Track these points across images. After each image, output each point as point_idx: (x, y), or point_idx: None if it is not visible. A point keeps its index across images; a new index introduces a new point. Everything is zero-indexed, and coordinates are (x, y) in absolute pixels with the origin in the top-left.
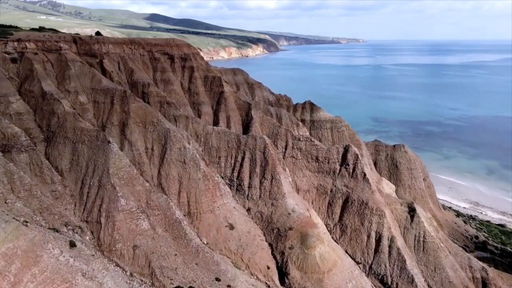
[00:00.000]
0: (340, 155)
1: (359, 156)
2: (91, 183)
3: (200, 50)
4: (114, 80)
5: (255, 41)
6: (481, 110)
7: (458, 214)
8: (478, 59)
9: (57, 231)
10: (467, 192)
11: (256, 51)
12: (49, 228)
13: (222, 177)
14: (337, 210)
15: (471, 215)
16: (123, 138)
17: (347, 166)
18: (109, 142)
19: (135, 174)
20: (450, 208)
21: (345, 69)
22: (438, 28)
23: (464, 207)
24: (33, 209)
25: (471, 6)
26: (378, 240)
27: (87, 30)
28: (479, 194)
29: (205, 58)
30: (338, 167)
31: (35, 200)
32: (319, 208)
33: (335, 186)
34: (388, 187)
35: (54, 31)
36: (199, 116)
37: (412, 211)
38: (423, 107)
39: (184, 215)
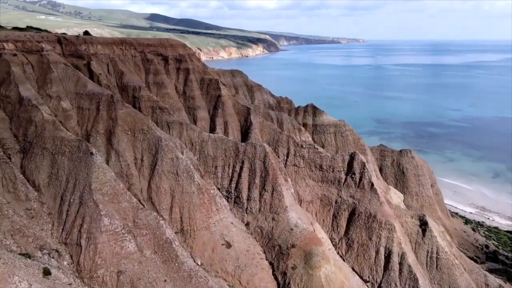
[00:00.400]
0: (346, 163)
1: (366, 164)
2: (71, 200)
3: (200, 50)
4: (102, 84)
5: (255, 41)
6: (483, 110)
7: (466, 221)
8: (479, 59)
9: (30, 256)
10: (472, 196)
11: (256, 51)
12: (20, 254)
13: (219, 189)
14: (343, 223)
15: (478, 222)
16: (110, 147)
17: (353, 175)
18: (91, 153)
19: (121, 189)
20: (456, 214)
21: (345, 69)
22: (438, 28)
23: (470, 212)
24: (3, 231)
25: (471, 6)
26: (388, 257)
27: (87, 30)
28: (485, 199)
29: (205, 58)
30: (343, 176)
31: (6, 221)
32: (323, 220)
33: (340, 196)
34: (396, 196)
35: (39, 30)
36: (195, 122)
37: (423, 224)
38: (424, 107)
39: (176, 233)
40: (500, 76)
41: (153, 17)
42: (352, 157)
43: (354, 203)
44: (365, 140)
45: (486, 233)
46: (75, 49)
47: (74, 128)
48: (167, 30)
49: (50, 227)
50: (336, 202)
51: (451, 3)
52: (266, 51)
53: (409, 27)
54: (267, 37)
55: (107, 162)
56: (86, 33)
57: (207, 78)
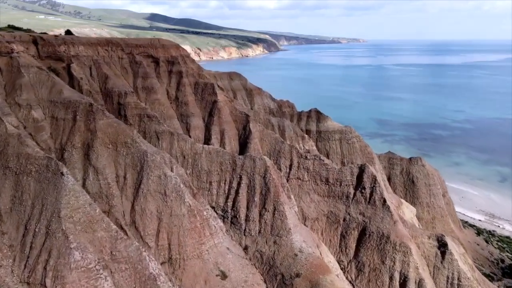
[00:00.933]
0: (355, 177)
1: (377, 178)
2: (36, 230)
3: (200, 50)
4: (83, 89)
5: (255, 41)
6: (487, 111)
7: (478, 232)
8: (480, 59)
9: None
10: (480, 202)
11: (256, 51)
12: None
13: (214, 207)
14: (352, 244)
15: (489, 231)
16: (87, 164)
17: (363, 190)
18: (62, 174)
19: (97, 215)
20: (466, 223)
21: (346, 69)
22: (438, 28)
23: (479, 220)
24: None
25: (471, 6)
26: (403, 283)
27: (86, 29)
28: (493, 204)
29: (204, 58)
30: (352, 190)
31: None
32: (330, 240)
33: (349, 214)
34: (408, 210)
35: (13, 29)
36: (188, 131)
37: (442, 245)
38: (427, 109)
39: (163, 263)
40: (502, 76)
41: (153, 17)
42: (361, 170)
43: (364, 221)
44: (368, 143)
45: (499, 243)
46: (53, 50)
47: (47, 141)
48: (167, 30)
49: (10, 263)
50: (344, 219)
51: (451, 3)
52: (266, 51)
53: (410, 27)
54: (267, 37)
55: (84, 181)
56: (68, 32)
57: (202, 82)
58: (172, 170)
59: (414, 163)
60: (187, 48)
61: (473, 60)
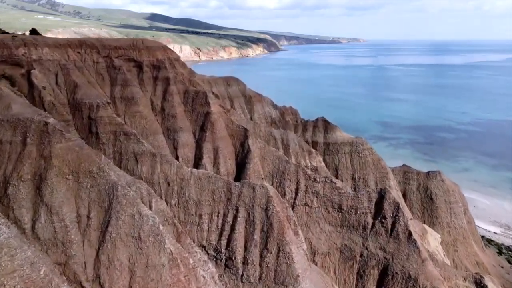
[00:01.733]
0: (373, 203)
1: (401, 206)
2: None
3: (200, 50)
4: (45, 101)
5: (255, 41)
6: (491, 113)
7: (500, 250)
8: (481, 59)
9: None
10: (492, 211)
11: (256, 51)
12: None
13: (204, 246)
14: (371, 286)
15: (508, 246)
16: (39, 201)
17: (383, 220)
18: None
19: (40, 279)
20: (483, 237)
21: (346, 69)
22: (438, 28)
23: (495, 233)
24: None
25: (471, 6)
26: None
27: (84, 29)
28: (507, 215)
29: (204, 58)
30: (370, 220)
31: None
32: (345, 280)
33: (366, 248)
34: (433, 238)
35: None
36: (176, 149)
37: None
38: (430, 110)
39: None
40: (503, 77)
41: (153, 17)
42: (381, 195)
43: (386, 258)
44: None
45: None
46: (9, 53)
47: None
48: (167, 30)
49: None
50: (361, 255)
51: (451, 3)
52: (266, 51)
53: (410, 27)
54: (267, 37)
55: (34, 224)
56: (34, 31)
57: (192, 90)
58: (150, 206)
59: (432, 177)
60: (187, 48)
61: (474, 60)
